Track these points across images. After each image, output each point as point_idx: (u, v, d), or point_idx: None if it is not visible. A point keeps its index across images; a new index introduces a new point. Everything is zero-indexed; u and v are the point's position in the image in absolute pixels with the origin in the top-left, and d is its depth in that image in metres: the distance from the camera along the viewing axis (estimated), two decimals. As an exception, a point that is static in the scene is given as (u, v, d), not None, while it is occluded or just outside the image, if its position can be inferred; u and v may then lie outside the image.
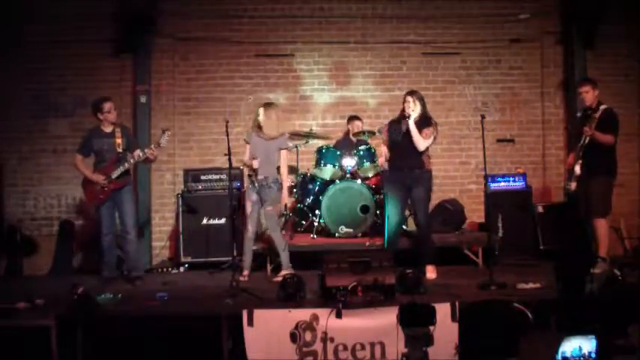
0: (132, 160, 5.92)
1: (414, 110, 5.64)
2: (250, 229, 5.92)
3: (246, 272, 5.90)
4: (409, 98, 5.69)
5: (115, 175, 5.87)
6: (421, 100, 5.72)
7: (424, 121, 5.69)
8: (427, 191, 5.83)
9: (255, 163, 5.81)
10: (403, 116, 5.70)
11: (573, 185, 5.95)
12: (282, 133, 6.06)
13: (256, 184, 5.84)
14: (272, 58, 7.88)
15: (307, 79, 7.93)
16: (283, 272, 5.69)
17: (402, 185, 5.75)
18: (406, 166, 5.72)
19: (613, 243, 6.86)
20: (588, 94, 5.97)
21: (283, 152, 5.99)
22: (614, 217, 7.14)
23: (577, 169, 5.86)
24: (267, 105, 6.06)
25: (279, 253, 5.93)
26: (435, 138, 5.82)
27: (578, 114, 6.47)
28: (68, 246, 7.15)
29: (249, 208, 5.94)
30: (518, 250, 6.68)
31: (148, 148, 5.94)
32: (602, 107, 5.87)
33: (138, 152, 5.91)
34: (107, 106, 5.93)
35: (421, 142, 5.65)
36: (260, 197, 5.89)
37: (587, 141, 5.79)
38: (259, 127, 5.94)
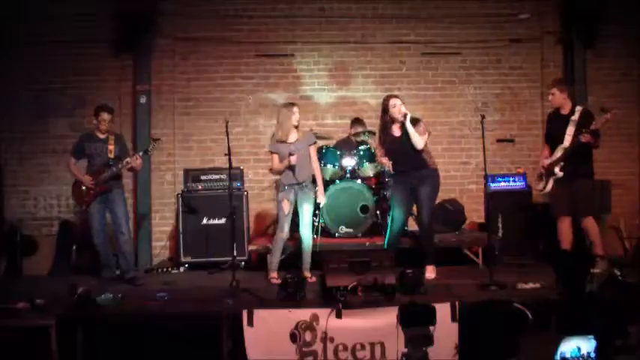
0: (120, 166, 5.97)
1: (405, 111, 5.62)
2: (286, 229, 5.82)
3: (274, 274, 5.77)
4: (397, 101, 5.66)
5: (102, 178, 5.94)
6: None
7: (412, 121, 5.64)
8: (433, 190, 5.74)
9: (293, 159, 5.63)
10: (392, 120, 5.66)
11: (550, 186, 5.91)
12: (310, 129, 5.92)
13: (295, 186, 5.74)
14: (272, 58, 7.87)
15: (307, 79, 7.92)
16: (307, 273, 5.71)
17: (408, 187, 5.71)
18: (410, 168, 5.67)
19: (613, 243, 6.86)
20: (554, 97, 5.86)
21: (312, 147, 5.87)
22: (614, 217, 7.16)
23: (557, 170, 5.80)
24: (294, 103, 5.92)
25: (307, 254, 5.82)
26: (429, 133, 5.80)
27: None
28: (68, 246, 7.14)
29: (286, 209, 5.77)
30: (518, 250, 6.69)
31: (134, 154, 6.01)
32: (578, 109, 5.77)
33: (127, 159, 5.97)
34: (104, 115, 5.99)
35: (420, 140, 5.63)
36: (297, 199, 5.78)
37: (571, 144, 5.67)
38: (296, 128, 5.78)
